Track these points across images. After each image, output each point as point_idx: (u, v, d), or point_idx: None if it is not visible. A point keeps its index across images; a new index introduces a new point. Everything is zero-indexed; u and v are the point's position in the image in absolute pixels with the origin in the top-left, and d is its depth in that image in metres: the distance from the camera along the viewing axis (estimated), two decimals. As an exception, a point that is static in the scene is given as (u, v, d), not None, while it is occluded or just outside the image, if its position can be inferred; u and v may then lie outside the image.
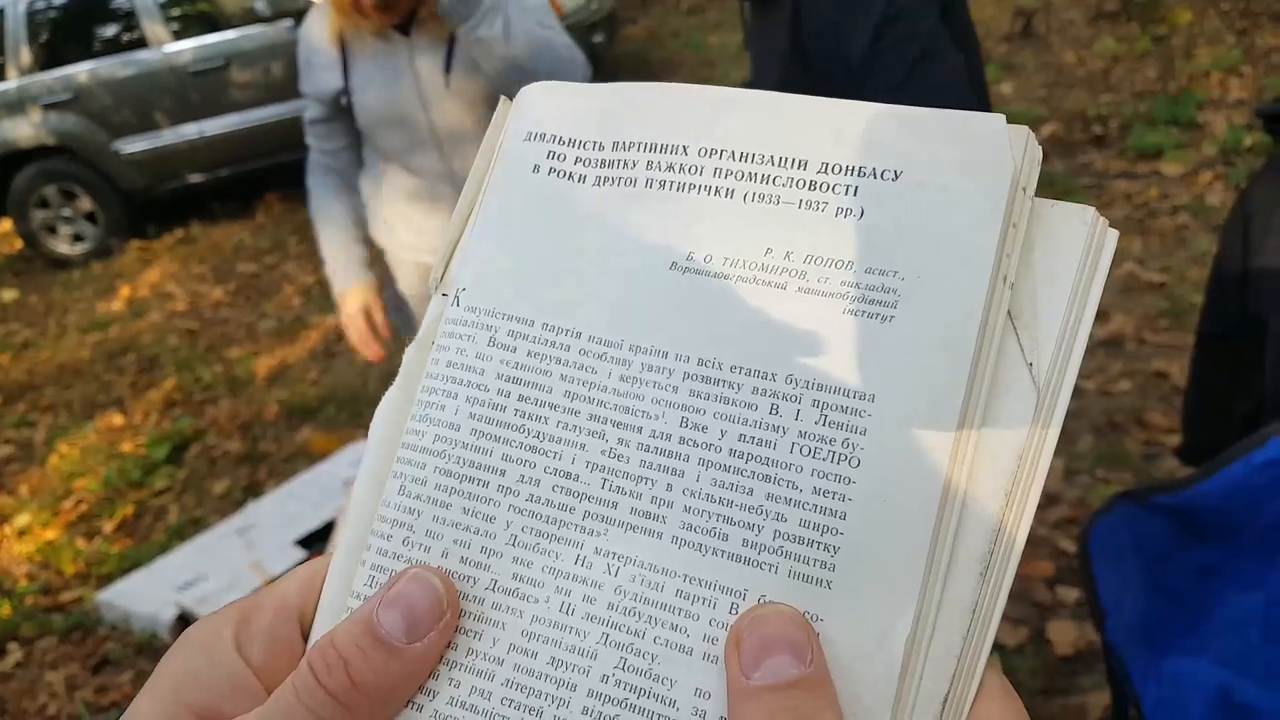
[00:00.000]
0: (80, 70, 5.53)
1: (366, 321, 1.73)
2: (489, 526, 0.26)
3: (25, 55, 5.56)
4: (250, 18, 5.39)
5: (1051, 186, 3.63)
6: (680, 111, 0.27)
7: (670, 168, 0.27)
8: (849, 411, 0.24)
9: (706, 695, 0.23)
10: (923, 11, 1.24)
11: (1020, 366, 0.23)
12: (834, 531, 0.23)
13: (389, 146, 1.69)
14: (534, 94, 0.29)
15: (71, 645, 2.63)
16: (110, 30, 5.61)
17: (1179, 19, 4.63)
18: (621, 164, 0.27)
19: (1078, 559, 0.93)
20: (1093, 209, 0.24)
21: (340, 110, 1.71)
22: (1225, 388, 1.26)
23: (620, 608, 0.24)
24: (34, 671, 2.57)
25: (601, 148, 0.28)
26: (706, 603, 0.24)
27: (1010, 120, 0.25)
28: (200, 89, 5.49)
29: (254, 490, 3.13)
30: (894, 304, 0.24)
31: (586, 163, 0.28)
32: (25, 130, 5.61)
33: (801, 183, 0.26)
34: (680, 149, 0.27)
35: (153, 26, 5.48)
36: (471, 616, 0.25)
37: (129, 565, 2.83)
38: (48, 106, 5.57)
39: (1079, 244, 0.24)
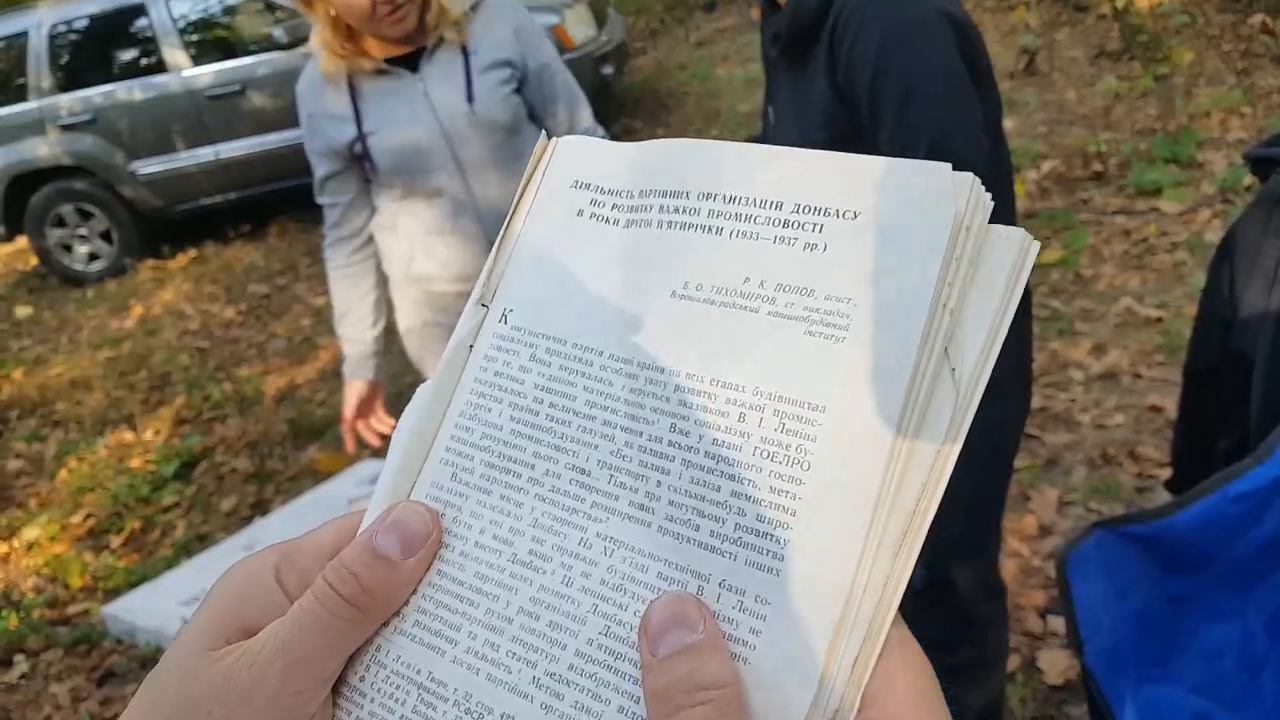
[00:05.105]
0: (100, 93, 5.63)
1: (357, 413, 1.85)
2: (518, 510, 0.31)
3: (46, 77, 5.66)
4: (267, 45, 5.49)
5: (1051, 222, 3.67)
6: (687, 161, 0.32)
7: (676, 210, 0.31)
8: (803, 420, 0.28)
9: None
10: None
11: (948, 378, 0.27)
12: (785, 526, 0.27)
13: (407, 183, 1.68)
14: (576, 146, 0.34)
15: (77, 658, 2.65)
16: (130, 54, 5.71)
17: (1180, 59, 4.69)
18: (644, 209, 0.32)
19: (1057, 586, 0.96)
20: (1022, 230, 0.28)
21: (352, 160, 1.69)
22: (1211, 423, 1.29)
23: (611, 584, 0.29)
24: (39, 683, 2.59)
25: (631, 195, 0.33)
26: (680, 584, 0.28)
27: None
28: (217, 113, 5.58)
29: (261, 508, 3.16)
30: (846, 327, 0.28)
31: (619, 208, 0.33)
32: (44, 150, 5.71)
33: (777, 221, 0.30)
34: (683, 194, 0.31)
35: (172, 52, 5.59)
36: (492, 582, 0.30)
37: (136, 580, 2.86)
38: (67, 127, 5.67)
39: (1009, 261, 0.27)
